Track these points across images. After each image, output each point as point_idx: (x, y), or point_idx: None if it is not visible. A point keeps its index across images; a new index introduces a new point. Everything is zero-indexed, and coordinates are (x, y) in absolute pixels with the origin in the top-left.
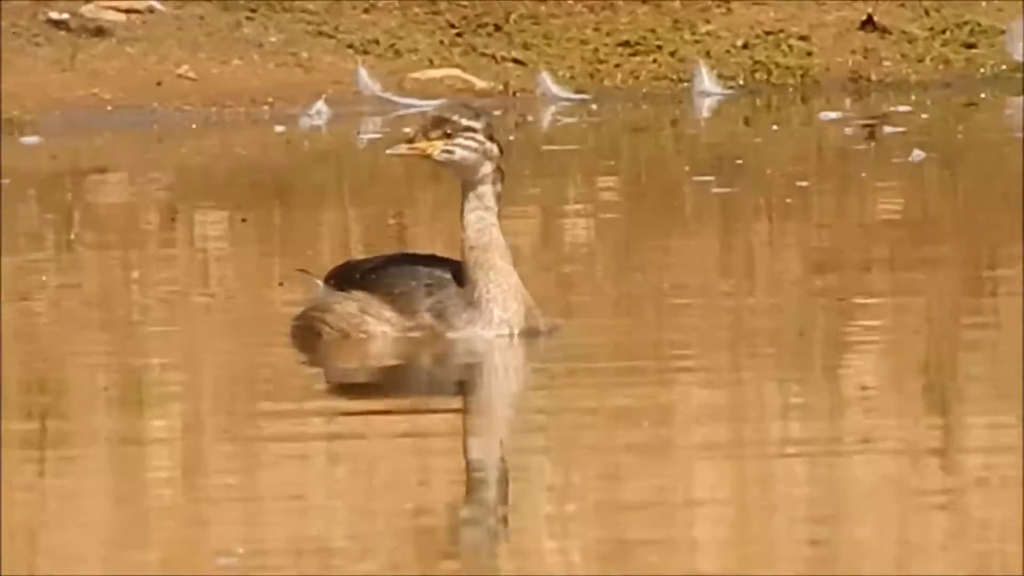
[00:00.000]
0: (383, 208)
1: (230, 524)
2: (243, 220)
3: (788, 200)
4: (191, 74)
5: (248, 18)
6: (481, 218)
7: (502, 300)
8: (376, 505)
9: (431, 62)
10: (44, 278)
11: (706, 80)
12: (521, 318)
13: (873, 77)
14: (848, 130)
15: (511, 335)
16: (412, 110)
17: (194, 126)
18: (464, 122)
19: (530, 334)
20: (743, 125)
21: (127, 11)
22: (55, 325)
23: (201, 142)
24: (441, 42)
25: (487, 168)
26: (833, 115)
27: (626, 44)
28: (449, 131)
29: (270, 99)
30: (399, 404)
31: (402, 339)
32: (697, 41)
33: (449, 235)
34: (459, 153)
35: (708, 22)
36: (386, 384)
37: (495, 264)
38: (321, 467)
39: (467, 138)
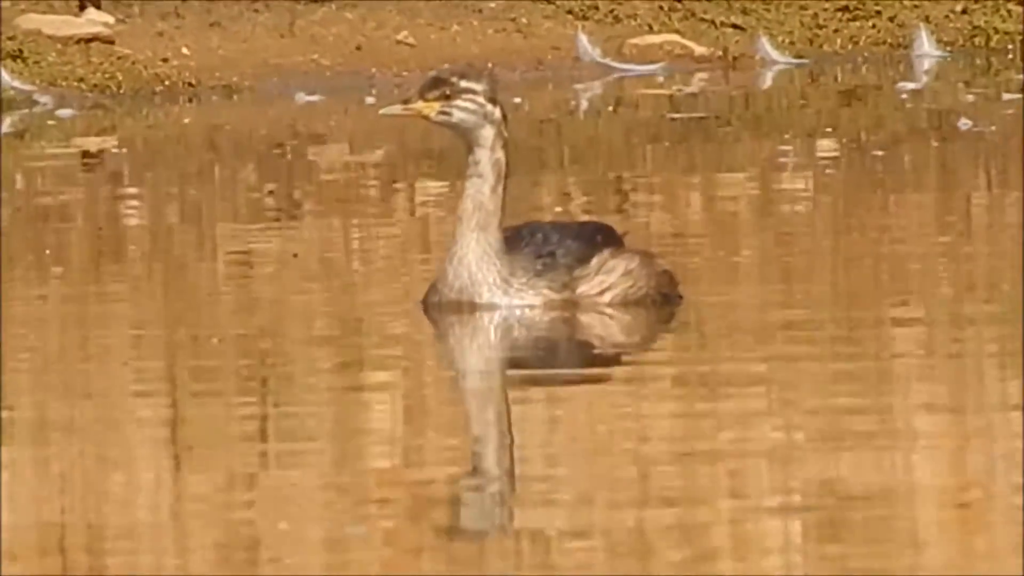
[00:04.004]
0: (602, 171)
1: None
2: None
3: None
4: (410, 40)
5: None
6: (472, 184)
7: (444, 268)
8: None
9: (650, 28)
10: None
11: (926, 43)
12: (451, 289)
13: None
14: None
15: (438, 302)
16: (630, 75)
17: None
18: (463, 83)
19: (457, 309)
20: (964, 87)
21: None
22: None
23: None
24: (660, 8)
25: (488, 131)
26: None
27: (845, 9)
28: (448, 92)
29: (489, 64)
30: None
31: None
32: (916, 6)
33: (669, 196)
34: (456, 115)
35: None
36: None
37: (460, 232)
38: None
39: (466, 99)
